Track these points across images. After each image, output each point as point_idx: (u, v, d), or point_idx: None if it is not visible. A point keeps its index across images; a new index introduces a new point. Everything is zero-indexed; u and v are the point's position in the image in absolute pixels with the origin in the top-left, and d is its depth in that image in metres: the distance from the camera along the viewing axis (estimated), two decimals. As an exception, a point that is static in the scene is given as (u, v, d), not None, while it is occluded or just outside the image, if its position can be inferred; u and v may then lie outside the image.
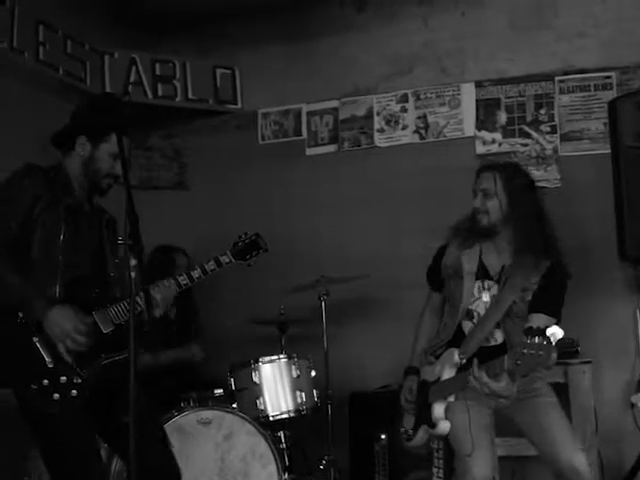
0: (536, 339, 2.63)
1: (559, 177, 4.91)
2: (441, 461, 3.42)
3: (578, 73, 4.94)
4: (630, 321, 4.62)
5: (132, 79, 5.30)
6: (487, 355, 3.02)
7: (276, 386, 4.26)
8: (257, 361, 4.27)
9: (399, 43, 5.28)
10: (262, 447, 3.99)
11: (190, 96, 5.51)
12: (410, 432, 3.33)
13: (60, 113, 3.19)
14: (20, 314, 2.77)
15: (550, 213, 3.31)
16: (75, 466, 2.75)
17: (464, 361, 3.13)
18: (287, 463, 4.20)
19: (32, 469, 3.74)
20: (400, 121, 5.29)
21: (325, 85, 5.43)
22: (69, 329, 2.75)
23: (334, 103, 5.45)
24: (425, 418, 3.22)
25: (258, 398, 4.20)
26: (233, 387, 4.28)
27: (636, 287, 4.63)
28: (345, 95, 5.43)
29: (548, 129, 4.97)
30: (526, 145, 5.00)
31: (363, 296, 5.02)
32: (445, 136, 5.19)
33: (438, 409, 3.16)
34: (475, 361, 2.96)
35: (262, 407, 4.19)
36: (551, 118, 4.97)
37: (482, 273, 3.29)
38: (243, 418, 4.02)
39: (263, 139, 5.60)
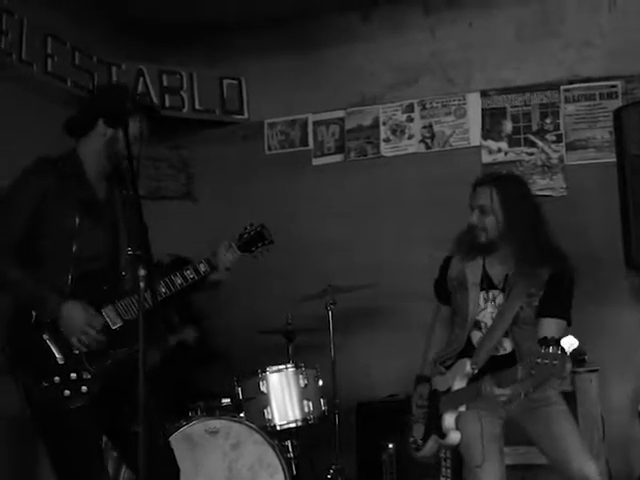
0: (550, 349, 2.62)
1: (565, 186, 4.92)
2: (449, 470, 3.41)
3: (583, 82, 4.95)
4: (637, 329, 4.62)
5: (139, 90, 5.32)
6: (497, 365, 3.02)
7: (283, 395, 4.27)
8: (264, 370, 4.28)
9: (405, 53, 5.30)
10: (269, 456, 3.99)
11: (197, 107, 5.54)
12: (420, 442, 3.31)
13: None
14: (33, 313, 2.76)
15: (554, 221, 3.29)
16: (80, 465, 2.76)
17: (475, 371, 3.13)
18: (294, 472, 4.20)
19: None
20: (406, 131, 5.31)
21: (331, 95, 5.45)
22: (82, 324, 2.76)
23: (340, 113, 5.47)
24: (435, 428, 3.21)
25: (265, 407, 4.21)
26: (240, 396, 4.28)
27: (643, 295, 4.64)
28: (351, 105, 5.45)
29: (554, 138, 4.99)
30: (532, 154, 5.01)
31: (370, 305, 5.01)
32: (451, 145, 5.21)
33: (449, 419, 3.15)
34: (487, 378, 2.95)
35: (269, 416, 4.20)
36: (557, 127, 4.98)
37: (487, 283, 3.28)
38: (251, 427, 4.03)
39: (270, 149, 5.62)
